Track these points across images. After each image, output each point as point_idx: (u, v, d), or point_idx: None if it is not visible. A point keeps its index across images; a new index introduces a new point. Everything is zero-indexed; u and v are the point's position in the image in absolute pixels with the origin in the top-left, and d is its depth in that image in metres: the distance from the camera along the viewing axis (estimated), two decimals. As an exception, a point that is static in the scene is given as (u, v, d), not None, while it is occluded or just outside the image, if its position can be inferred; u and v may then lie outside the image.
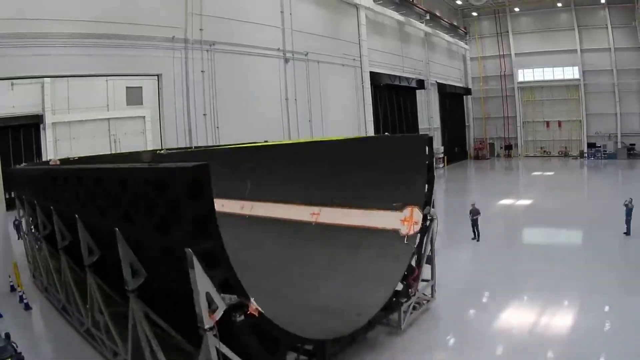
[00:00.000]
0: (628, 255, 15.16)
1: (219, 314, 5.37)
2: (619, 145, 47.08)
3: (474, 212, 17.51)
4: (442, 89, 46.86)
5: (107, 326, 8.61)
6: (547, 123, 51.44)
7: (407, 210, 10.41)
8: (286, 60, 27.21)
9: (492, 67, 53.29)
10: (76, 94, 27.41)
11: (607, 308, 10.57)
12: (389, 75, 37.23)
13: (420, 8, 41.99)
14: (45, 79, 24.83)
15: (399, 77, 38.69)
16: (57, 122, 27.36)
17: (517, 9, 51.05)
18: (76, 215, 8.20)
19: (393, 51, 39.10)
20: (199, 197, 5.36)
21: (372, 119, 33.94)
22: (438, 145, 44.40)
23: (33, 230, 13.89)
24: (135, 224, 6.36)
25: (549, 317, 10.41)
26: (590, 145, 48.59)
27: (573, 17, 48.30)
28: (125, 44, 19.39)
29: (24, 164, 17.93)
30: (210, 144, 22.11)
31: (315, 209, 11.85)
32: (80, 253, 8.54)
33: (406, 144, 11.86)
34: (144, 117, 30.43)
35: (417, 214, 10.29)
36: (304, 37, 28.21)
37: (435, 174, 10.99)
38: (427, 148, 10.63)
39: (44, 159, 26.00)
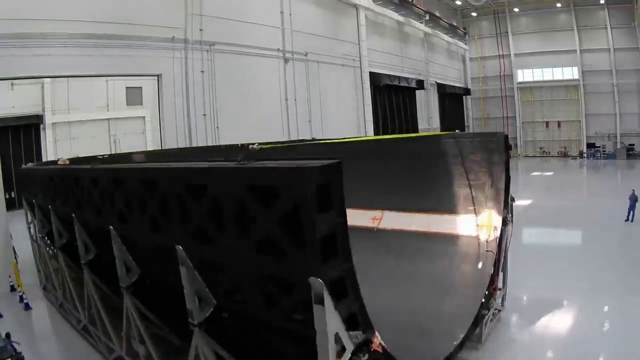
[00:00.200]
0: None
1: (346, 358, 4.23)
2: (619, 146, 47.15)
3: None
4: (441, 89, 46.89)
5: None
6: (547, 123, 51.52)
7: (485, 214, 9.65)
8: (286, 61, 27.22)
9: (492, 67, 53.35)
10: (76, 94, 27.42)
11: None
12: (389, 76, 37.26)
13: (420, 8, 42.02)
14: (45, 79, 24.84)
15: (399, 77, 38.71)
16: (57, 123, 27.36)
17: (516, 9, 51.12)
18: (111, 228, 6.61)
19: (392, 51, 39.12)
20: (329, 208, 3.95)
21: (371, 119, 33.99)
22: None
23: (45, 239, 12.49)
24: (216, 244, 4.77)
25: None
26: (590, 146, 48.67)
27: (572, 17, 48.37)
28: (125, 44, 19.40)
29: (30, 163, 16.57)
30: (210, 144, 22.13)
31: (377, 214, 10.94)
32: (109, 270, 7.33)
33: (483, 142, 10.50)
34: (143, 117, 30.45)
35: (495, 218, 9.48)
36: (303, 38, 28.23)
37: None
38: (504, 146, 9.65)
39: (44, 159, 25.99)
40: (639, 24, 43.84)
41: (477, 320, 8.66)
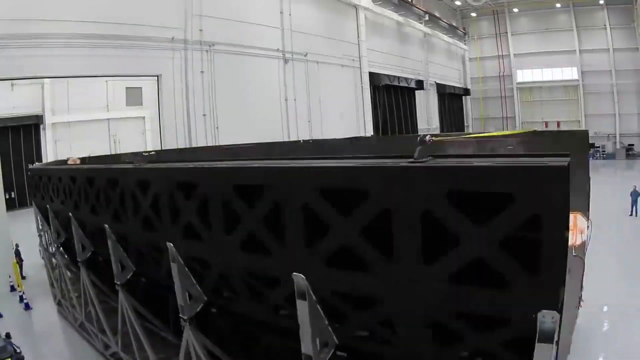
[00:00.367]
0: None
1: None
2: (618, 146, 47.19)
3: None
4: (441, 89, 46.96)
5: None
6: (546, 123, 51.46)
7: (570, 217, 8.63)
8: (285, 61, 27.26)
9: (491, 67, 53.39)
10: (76, 94, 27.37)
11: None
12: (388, 76, 37.30)
13: (419, 9, 42.08)
14: (45, 79, 24.82)
15: (398, 77, 38.76)
16: (57, 123, 27.33)
17: (516, 10, 51.14)
18: (170, 245, 5.19)
19: (392, 52, 39.17)
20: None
21: (371, 119, 34.05)
22: (437, 146, 44.36)
23: (61, 249, 11.06)
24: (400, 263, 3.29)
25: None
26: (589, 146, 48.63)
27: (572, 17, 48.40)
28: (125, 44, 19.45)
29: (37, 163, 15.64)
30: (209, 144, 22.15)
31: None
32: (154, 296, 6.38)
33: (564, 141, 9.26)
34: (143, 117, 30.42)
35: (581, 221, 8.81)
36: (303, 38, 28.27)
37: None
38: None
39: (44, 159, 25.94)
40: (638, 24, 43.87)
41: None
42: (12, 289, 13.79)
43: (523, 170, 2.82)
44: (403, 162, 3.25)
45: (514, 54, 51.78)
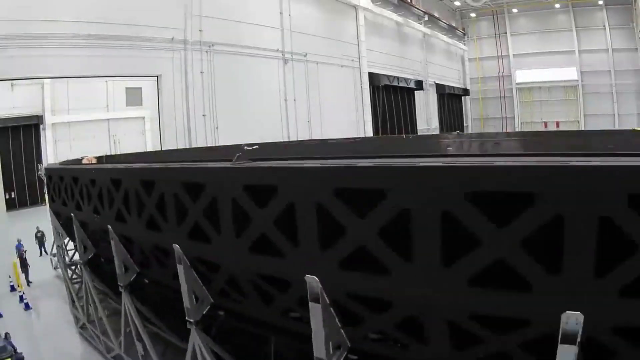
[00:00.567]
0: None
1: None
2: (617, 146, 47.24)
3: None
4: (440, 89, 46.99)
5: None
6: (545, 124, 51.57)
7: None
8: (285, 61, 27.27)
9: (491, 68, 53.44)
10: (76, 94, 27.38)
11: None
12: (388, 76, 37.32)
13: (419, 9, 42.12)
14: (45, 79, 24.83)
15: (398, 77, 38.78)
16: (57, 123, 27.33)
17: (515, 10, 51.20)
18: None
19: (392, 52, 39.20)
20: None
21: (370, 119, 34.06)
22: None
23: (87, 267, 9.42)
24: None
25: None
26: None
27: (571, 18, 48.47)
28: (125, 45, 19.45)
29: (51, 163, 13.91)
30: (209, 144, 22.15)
31: None
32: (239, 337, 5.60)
33: None
34: (143, 117, 30.43)
35: None
36: (303, 38, 28.28)
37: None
38: None
39: (44, 159, 25.92)
40: (637, 24, 43.96)
41: None
42: (12, 289, 13.80)
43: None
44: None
45: (513, 54, 51.84)
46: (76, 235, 6.46)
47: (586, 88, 48.63)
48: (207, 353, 5.39)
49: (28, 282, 14.49)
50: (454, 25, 51.20)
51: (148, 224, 5.84)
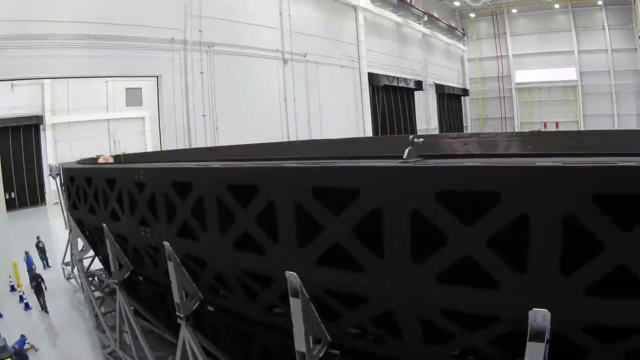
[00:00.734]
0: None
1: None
2: (616, 146, 47.21)
3: None
4: (440, 89, 47.04)
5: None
6: (545, 124, 51.56)
7: None
8: (285, 61, 27.35)
9: (490, 68, 53.47)
10: (76, 95, 27.52)
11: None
12: (387, 76, 37.38)
13: (418, 9, 42.17)
14: (45, 80, 24.96)
15: (397, 78, 38.84)
16: (57, 123, 27.48)
17: (514, 11, 51.22)
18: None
19: (391, 52, 39.26)
20: None
21: (370, 119, 34.15)
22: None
23: (122, 287, 7.64)
24: None
25: None
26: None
27: (570, 18, 48.49)
28: (124, 45, 19.50)
29: (63, 162, 11.73)
30: (209, 144, 22.23)
31: None
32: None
33: None
34: (143, 118, 30.56)
35: None
36: (302, 39, 28.36)
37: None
38: None
39: (44, 160, 26.05)
40: (636, 24, 43.95)
41: None
42: (12, 289, 13.85)
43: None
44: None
45: (513, 55, 51.86)
46: (110, 251, 5.77)
47: (585, 88, 48.65)
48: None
49: (45, 309, 12.37)
50: (453, 25, 51.24)
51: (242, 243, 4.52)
